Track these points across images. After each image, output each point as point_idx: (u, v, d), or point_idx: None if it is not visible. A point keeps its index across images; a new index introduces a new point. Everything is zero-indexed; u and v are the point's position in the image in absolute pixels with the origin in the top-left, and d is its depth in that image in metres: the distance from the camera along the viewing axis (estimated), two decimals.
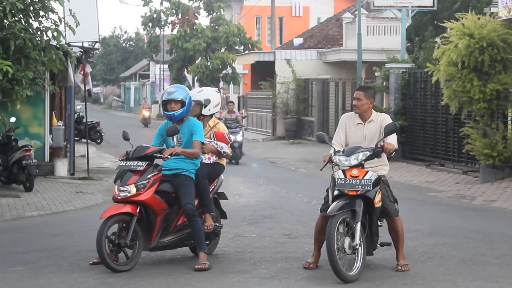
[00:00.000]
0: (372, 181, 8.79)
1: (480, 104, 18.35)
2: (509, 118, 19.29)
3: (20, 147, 17.89)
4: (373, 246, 9.17)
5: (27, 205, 15.63)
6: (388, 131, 9.00)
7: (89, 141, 23.53)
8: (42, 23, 14.78)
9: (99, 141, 35.01)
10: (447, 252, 10.39)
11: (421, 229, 12.24)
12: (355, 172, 8.85)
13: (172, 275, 9.10)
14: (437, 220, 13.44)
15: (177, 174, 9.66)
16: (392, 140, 9.09)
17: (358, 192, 8.77)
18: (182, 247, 10.10)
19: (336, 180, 8.90)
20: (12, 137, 18.14)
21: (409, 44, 28.60)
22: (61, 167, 20.35)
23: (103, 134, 35.10)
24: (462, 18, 18.65)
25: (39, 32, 14.48)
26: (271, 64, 38.04)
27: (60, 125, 21.34)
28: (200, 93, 10.42)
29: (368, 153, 8.96)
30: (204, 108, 10.35)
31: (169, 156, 9.49)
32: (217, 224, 10.28)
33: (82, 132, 30.80)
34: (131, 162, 9.48)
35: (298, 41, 43.93)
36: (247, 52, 47.78)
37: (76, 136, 26.25)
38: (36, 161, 18.04)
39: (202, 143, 9.84)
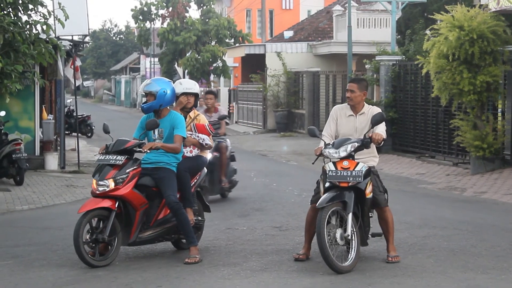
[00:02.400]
0: (363, 172, 8.82)
1: (470, 96, 18.37)
2: (499, 110, 19.33)
3: (10, 141, 17.85)
4: (366, 236, 9.21)
5: (17, 199, 15.60)
6: (375, 121, 9.02)
7: (79, 134, 23.51)
8: (31, 17, 14.72)
9: (89, 134, 34.98)
10: (437, 244, 10.42)
11: (411, 221, 12.27)
12: (346, 163, 8.88)
13: (162, 268, 9.10)
14: (427, 212, 13.46)
15: (158, 168, 9.53)
16: (381, 130, 9.11)
17: (350, 184, 8.80)
18: (163, 242, 9.97)
19: (327, 172, 8.92)
20: (2, 131, 18.10)
21: (399, 36, 28.63)
22: (52, 161, 20.31)
23: (93, 127, 35.05)
24: (452, 10, 18.66)
25: (28, 26, 14.42)
26: (262, 57, 38.03)
27: (50, 119, 21.29)
28: (196, 85, 10.47)
29: (356, 144, 8.99)
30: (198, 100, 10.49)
31: (148, 151, 9.41)
32: (200, 218, 10.19)
33: (73, 125, 30.77)
34: (110, 156, 9.36)
35: (288, 34, 43.91)
36: (237, 45, 47.72)
37: (66, 130, 26.20)
38: (26, 155, 18.01)
39: (184, 138, 9.71)
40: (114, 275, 8.78)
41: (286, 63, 36.21)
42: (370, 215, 9.38)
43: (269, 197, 15.57)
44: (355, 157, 9.05)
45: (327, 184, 8.94)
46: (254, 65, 39.38)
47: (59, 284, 8.45)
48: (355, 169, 8.82)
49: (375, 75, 25.47)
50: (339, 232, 8.74)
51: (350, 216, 8.74)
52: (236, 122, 42.07)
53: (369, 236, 9.39)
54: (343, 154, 8.93)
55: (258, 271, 8.90)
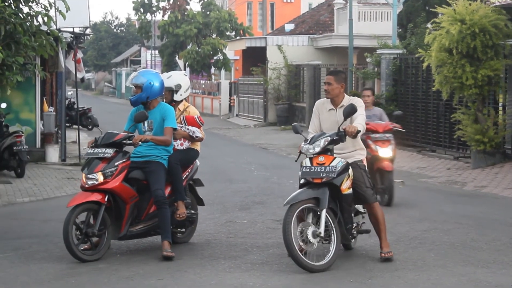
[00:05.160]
0: (338, 168, 8.58)
1: (471, 90, 18.35)
2: (500, 104, 19.32)
3: (11, 133, 17.85)
4: (348, 234, 8.95)
5: (18, 191, 15.60)
6: (346, 113, 8.71)
7: (80, 127, 23.50)
8: (33, 8, 14.68)
9: (90, 127, 34.93)
10: (437, 238, 10.42)
11: (412, 215, 12.27)
12: (321, 159, 8.66)
13: (163, 261, 9.10)
14: (428, 206, 13.47)
15: (149, 161, 9.47)
16: (358, 122, 8.81)
17: (323, 180, 8.57)
18: (155, 236, 9.87)
19: (302, 168, 8.75)
20: (3, 123, 18.10)
21: (400, 30, 28.59)
22: (52, 153, 20.32)
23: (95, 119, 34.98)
24: (454, 3, 18.63)
25: (29, 17, 14.38)
26: (263, 50, 37.99)
27: (51, 111, 21.29)
28: (170, 78, 10.13)
29: (329, 138, 8.73)
30: (176, 94, 10.11)
31: (139, 143, 9.38)
32: (192, 211, 10.14)
33: (73, 118, 30.75)
34: (99, 149, 9.32)
35: (289, 27, 43.86)
36: (238, 38, 47.69)
37: (67, 122, 26.20)
38: (27, 147, 18.01)
39: (174, 129, 9.64)
40: (115, 267, 8.79)
41: (287, 56, 36.18)
42: (364, 211, 9.25)
43: (270, 190, 15.57)
44: (339, 151, 8.87)
45: (302, 181, 8.77)
46: (255, 58, 39.34)
47: (60, 276, 8.46)
48: (330, 165, 8.59)
49: (376, 69, 25.45)
50: (311, 230, 8.49)
51: (323, 212, 8.49)
52: (236, 115, 42.08)
53: (354, 233, 9.20)
54: (317, 149, 8.71)
55: (259, 264, 8.91)
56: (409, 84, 23.87)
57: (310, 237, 8.47)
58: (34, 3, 14.75)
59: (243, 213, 12.57)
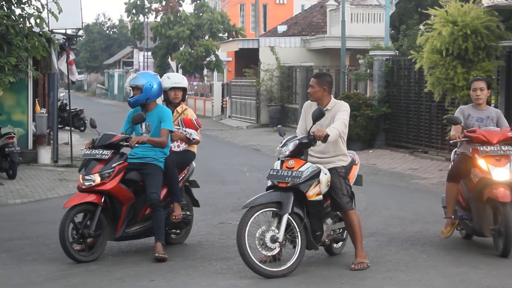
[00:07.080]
0: (305, 174, 8.39)
1: (463, 92, 18.37)
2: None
3: (3, 135, 17.82)
4: (316, 241, 8.66)
5: (10, 192, 15.57)
6: (314, 118, 8.49)
7: (72, 128, 23.47)
8: (25, 10, 14.66)
9: (82, 128, 34.93)
10: (430, 239, 10.45)
11: (404, 216, 12.29)
12: (291, 163, 8.50)
13: (155, 262, 9.09)
14: (420, 207, 13.48)
15: (145, 163, 9.50)
16: (333, 126, 8.56)
17: (288, 184, 8.42)
18: (150, 237, 9.84)
19: (270, 170, 8.65)
20: None
21: (393, 31, 28.63)
22: (45, 154, 20.28)
23: (86, 121, 35.00)
24: (446, 5, 18.67)
25: (21, 19, 14.36)
26: (255, 51, 38.01)
27: (43, 113, 21.25)
28: (184, 79, 10.32)
29: (297, 142, 8.59)
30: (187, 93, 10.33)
31: (136, 145, 9.40)
32: (188, 213, 10.16)
33: (66, 119, 30.71)
34: (96, 151, 9.36)
35: (282, 28, 43.89)
36: (231, 39, 47.70)
37: (59, 124, 26.15)
38: (19, 148, 17.97)
39: (171, 131, 9.68)
40: (107, 269, 8.79)
41: (279, 58, 36.20)
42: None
43: (262, 191, 15.52)
44: (320, 155, 8.76)
45: (269, 183, 8.66)
46: (247, 59, 39.36)
47: (52, 278, 8.45)
48: (298, 170, 8.41)
49: (368, 70, 25.47)
50: (269, 234, 8.35)
51: (284, 217, 8.32)
52: (229, 117, 42.08)
53: (325, 241, 8.97)
54: (286, 153, 8.57)
55: None
56: (401, 86, 23.89)
57: (268, 241, 8.34)
58: (27, 5, 14.73)
59: (235, 215, 12.54)
